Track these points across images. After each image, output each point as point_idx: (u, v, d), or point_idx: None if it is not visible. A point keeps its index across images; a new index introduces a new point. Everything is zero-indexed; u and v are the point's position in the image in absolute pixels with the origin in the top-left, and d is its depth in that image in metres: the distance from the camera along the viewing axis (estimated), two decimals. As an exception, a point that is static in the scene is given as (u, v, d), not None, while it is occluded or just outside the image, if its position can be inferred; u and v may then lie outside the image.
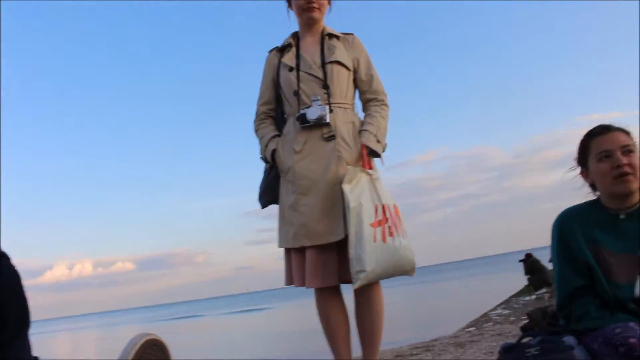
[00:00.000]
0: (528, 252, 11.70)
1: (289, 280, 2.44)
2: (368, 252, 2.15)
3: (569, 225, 1.95)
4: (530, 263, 11.15)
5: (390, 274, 2.25)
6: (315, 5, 2.51)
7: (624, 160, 1.83)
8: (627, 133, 1.90)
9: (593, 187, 2.00)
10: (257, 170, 2.64)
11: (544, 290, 10.82)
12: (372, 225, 2.21)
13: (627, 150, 1.86)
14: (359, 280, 2.17)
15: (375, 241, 2.18)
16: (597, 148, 1.89)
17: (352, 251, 2.18)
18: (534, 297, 11.18)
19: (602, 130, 1.92)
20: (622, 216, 1.90)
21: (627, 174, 1.83)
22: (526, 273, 11.30)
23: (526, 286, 11.88)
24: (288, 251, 2.45)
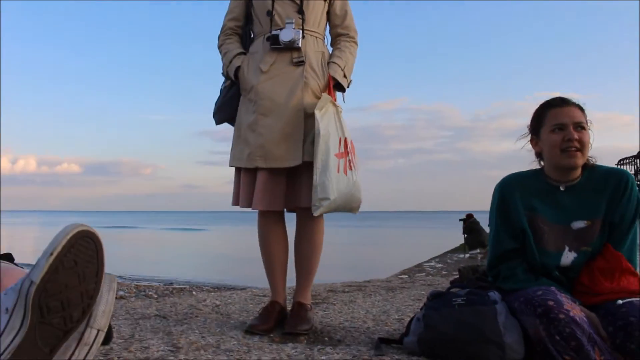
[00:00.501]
0: (469, 212, 12.08)
1: (236, 200, 2.43)
2: (333, 181, 2.17)
3: (510, 190, 2.01)
4: (470, 223, 11.54)
5: (342, 207, 2.27)
6: None
7: (575, 135, 1.88)
8: (582, 110, 1.95)
9: (539, 155, 2.05)
10: (215, 88, 2.56)
11: (478, 250, 11.28)
12: (336, 155, 2.21)
13: (580, 127, 1.90)
14: (321, 208, 2.18)
15: (338, 172, 2.20)
16: (552, 119, 1.93)
17: (317, 178, 2.17)
18: (467, 255, 11.65)
19: (559, 103, 1.95)
20: (562, 188, 1.97)
21: (575, 148, 1.88)
22: (464, 232, 11.72)
23: (462, 244, 12.35)
24: (239, 171, 2.43)
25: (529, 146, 2.07)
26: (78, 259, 1.16)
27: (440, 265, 9.90)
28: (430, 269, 8.96)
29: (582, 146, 1.89)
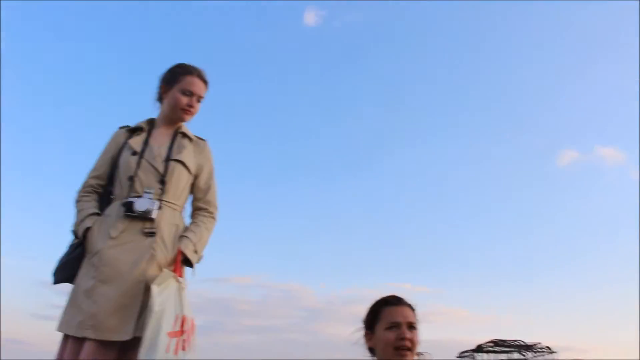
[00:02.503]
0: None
1: (57, 368, 2.21)
2: None
3: None
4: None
5: None
6: (194, 110, 2.52)
7: (408, 334, 2.00)
8: (413, 310, 2.11)
9: (371, 350, 2.12)
10: (62, 241, 2.42)
11: None
12: (169, 334, 2.12)
13: (412, 327, 2.04)
14: None
15: (167, 351, 2.09)
16: (388, 318, 2.05)
17: (142, 356, 2.07)
18: None
19: (394, 301, 2.10)
20: None
21: (407, 348, 1.99)
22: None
23: None
24: (66, 337, 2.24)
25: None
26: None
27: None
28: None
29: (413, 345, 2.01)
